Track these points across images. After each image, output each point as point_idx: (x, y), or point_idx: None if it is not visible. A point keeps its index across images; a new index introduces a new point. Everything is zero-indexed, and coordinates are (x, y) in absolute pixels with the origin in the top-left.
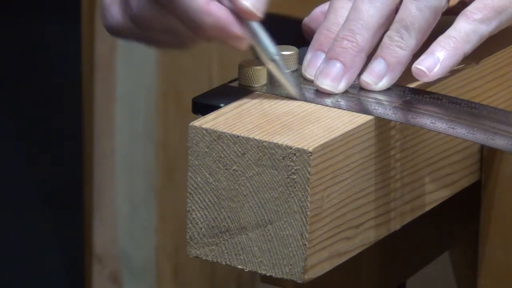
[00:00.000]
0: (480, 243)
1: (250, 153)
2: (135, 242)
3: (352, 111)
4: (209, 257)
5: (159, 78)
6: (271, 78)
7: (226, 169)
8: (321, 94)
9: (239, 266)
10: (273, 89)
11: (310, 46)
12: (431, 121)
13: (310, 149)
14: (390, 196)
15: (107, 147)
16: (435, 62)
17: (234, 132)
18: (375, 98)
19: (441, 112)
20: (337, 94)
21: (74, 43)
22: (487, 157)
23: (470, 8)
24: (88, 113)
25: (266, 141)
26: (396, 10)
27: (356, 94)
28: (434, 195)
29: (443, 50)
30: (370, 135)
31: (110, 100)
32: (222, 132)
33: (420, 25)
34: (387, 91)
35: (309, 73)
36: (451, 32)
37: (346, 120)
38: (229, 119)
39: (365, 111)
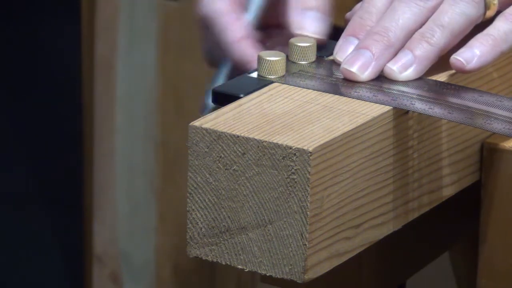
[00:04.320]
0: (480, 243)
1: (250, 153)
2: (135, 242)
3: (371, 101)
4: (209, 257)
5: (159, 78)
6: (289, 69)
7: (226, 169)
8: (341, 85)
9: (239, 266)
10: (292, 80)
11: (343, 33)
12: (449, 112)
13: (310, 149)
14: (390, 197)
15: (107, 147)
16: (473, 55)
17: (234, 132)
18: (398, 90)
19: (459, 103)
20: (357, 85)
21: (74, 43)
22: (487, 157)
23: (508, 10)
24: (88, 113)
25: (266, 141)
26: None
27: (379, 85)
28: (435, 195)
29: (482, 45)
30: (370, 135)
31: (110, 100)
32: (222, 132)
33: (454, 27)
34: (409, 83)
35: (339, 56)
36: (490, 30)
37: (346, 120)
38: (229, 119)
39: (384, 102)
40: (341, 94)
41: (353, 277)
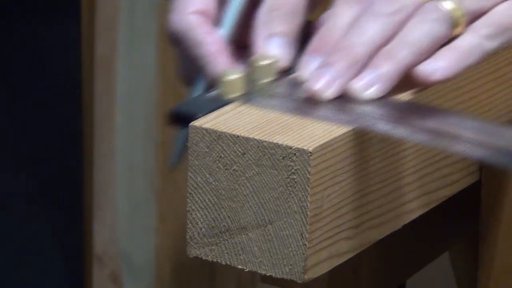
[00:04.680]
0: (480, 243)
1: (250, 153)
2: (135, 242)
3: (333, 121)
4: (209, 257)
5: (159, 78)
6: (249, 88)
7: (226, 169)
8: (303, 105)
9: (239, 266)
10: (252, 99)
11: (307, 49)
12: (412, 132)
13: (310, 149)
14: (390, 196)
15: (107, 147)
16: (437, 67)
17: (234, 132)
18: (361, 109)
19: (423, 123)
20: (319, 104)
21: (74, 43)
22: None
23: (477, 23)
24: (88, 113)
25: (266, 141)
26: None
27: (342, 104)
28: (434, 195)
29: (447, 58)
30: (370, 134)
31: (110, 100)
32: (222, 132)
33: (421, 46)
34: (373, 102)
35: (302, 74)
36: (457, 43)
37: None
38: (229, 119)
39: (346, 122)
40: (302, 114)
41: (353, 277)
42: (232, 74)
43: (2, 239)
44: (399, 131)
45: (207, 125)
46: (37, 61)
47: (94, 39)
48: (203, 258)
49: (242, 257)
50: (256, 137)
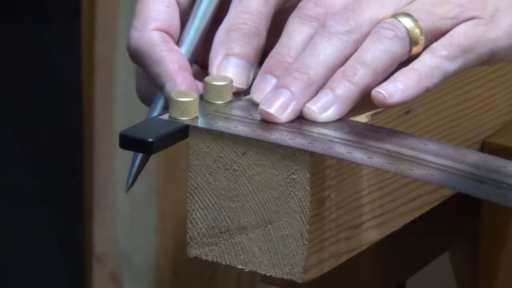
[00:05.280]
0: (480, 243)
1: (250, 153)
2: (135, 242)
3: (289, 145)
4: (209, 257)
5: None
6: (203, 110)
7: (226, 169)
8: (258, 127)
9: (239, 266)
10: (206, 122)
11: (260, 70)
12: (368, 156)
13: None
14: (390, 196)
15: (107, 147)
16: (396, 89)
17: (234, 132)
18: (318, 132)
19: (380, 146)
20: (275, 127)
21: (74, 43)
22: None
23: (436, 44)
24: (88, 113)
25: (266, 141)
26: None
27: (298, 127)
28: (434, 195)
29: (405, 80)
30: None
31: (110, 100)
32: (222, 132)
33: (377, 65)
34: (330, 124)
35: (256, 97)
36: (415, 65)
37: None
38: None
39: (302, 145)
40: (257, 137)
41: (353, 277)
42: (187, 95)
43: (2, 239)
44: (356, 155)
45: (207, 125)
46: (37, 61)
47: (94, 39)
48: (203, 258)
49: (242, 257)
50: (256, 137)
